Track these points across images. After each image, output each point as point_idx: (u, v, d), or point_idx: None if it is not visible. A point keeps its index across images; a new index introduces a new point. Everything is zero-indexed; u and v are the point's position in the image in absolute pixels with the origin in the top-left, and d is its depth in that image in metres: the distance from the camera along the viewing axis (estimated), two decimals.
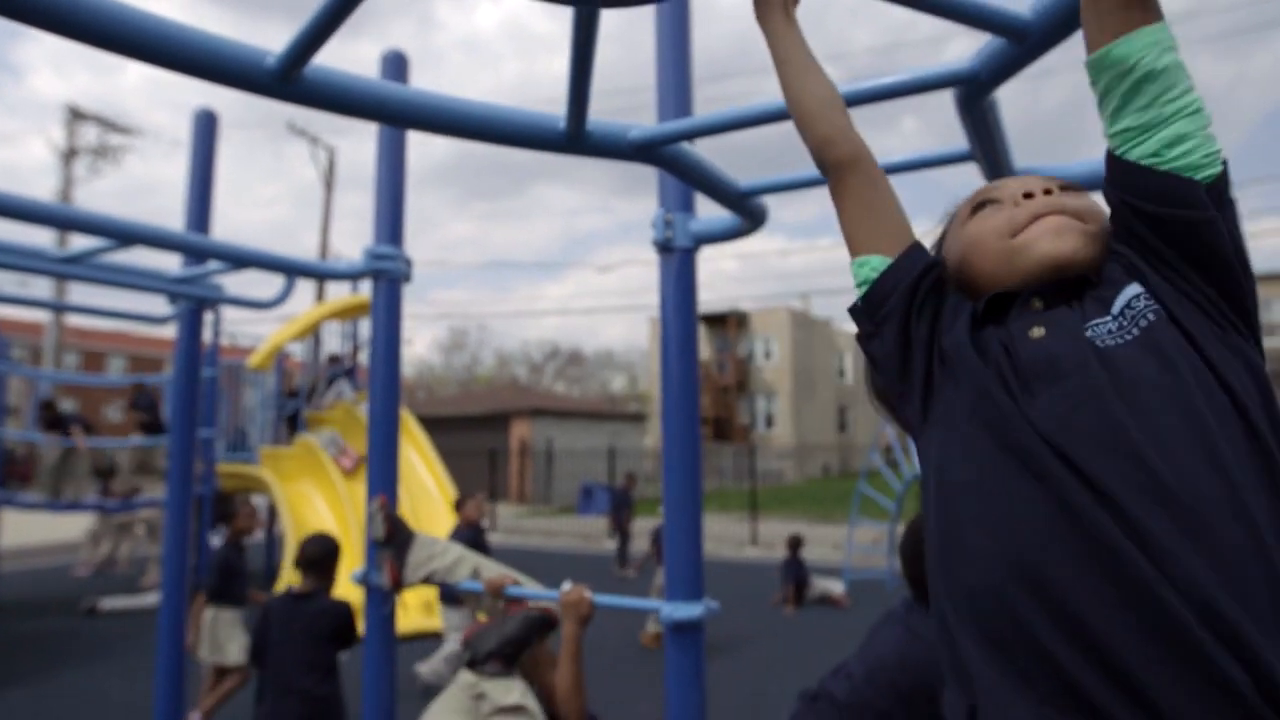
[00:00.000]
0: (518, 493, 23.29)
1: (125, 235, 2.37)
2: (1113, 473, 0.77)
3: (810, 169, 1.35)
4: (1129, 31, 0.84)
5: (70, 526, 11.68)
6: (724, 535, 14.40)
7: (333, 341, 10.88)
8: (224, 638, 4.74)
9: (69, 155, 20.61)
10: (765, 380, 32.38)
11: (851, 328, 1.12)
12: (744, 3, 1.14)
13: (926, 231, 1.14)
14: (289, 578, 7.33)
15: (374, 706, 2.82)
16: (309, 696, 3.17)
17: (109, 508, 8.74)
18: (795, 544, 8.34)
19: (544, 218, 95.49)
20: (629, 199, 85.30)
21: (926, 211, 1.29)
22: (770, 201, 2.03)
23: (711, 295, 78.48)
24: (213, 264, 3.07)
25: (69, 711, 5.21)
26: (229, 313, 8.98)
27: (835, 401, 34.94)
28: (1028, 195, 0.96)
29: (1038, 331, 0.89)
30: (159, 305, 3.80)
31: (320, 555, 3.36)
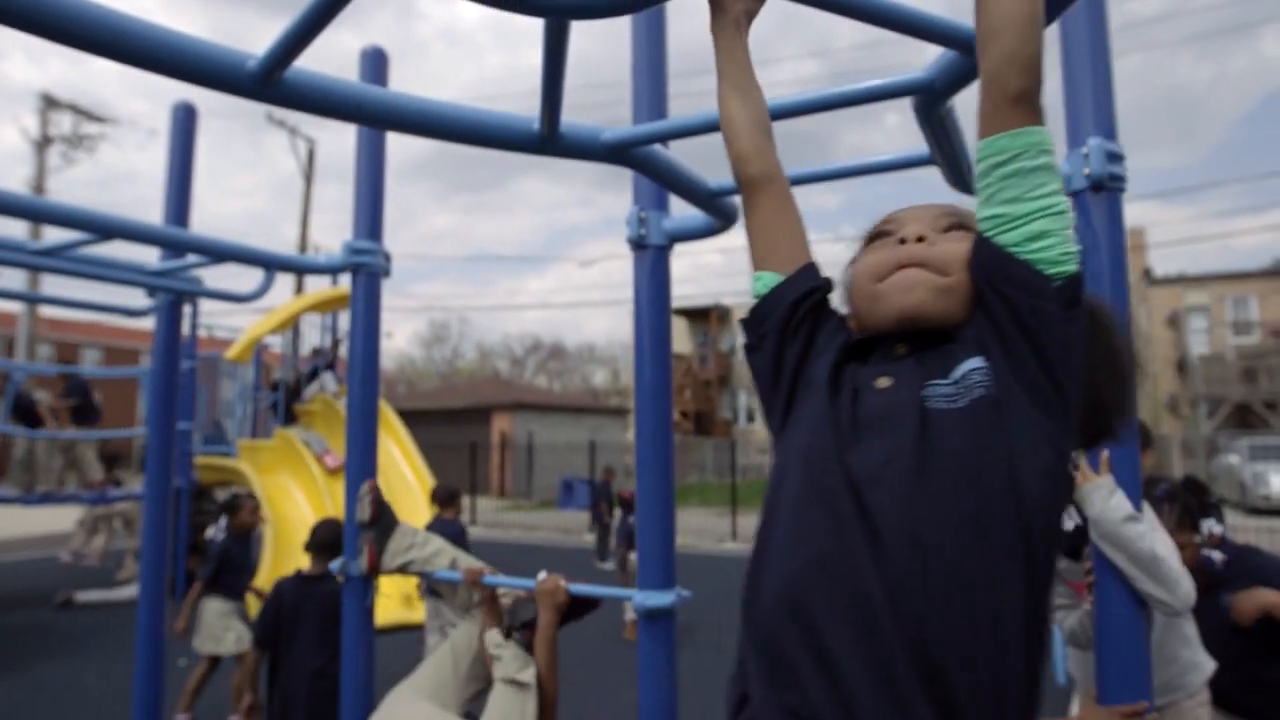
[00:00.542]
0: (498, 487, 23.27)
1: (105, 229, 2.37)
2: (892, 523, 0.85)
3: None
4: (1016, 129, 0.91)
5: (47, 520, 11.57)
6: (704, 529, 14.50)
7: (312, 334, 10.84)
8: (221, 628, 4.75)
9: (43, 144, 20.29)
10: (747, 375, 32.11)
11: None
12: None
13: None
14: (269, 570, 7.33)
15: (353, 700, 2.79)
16: (321, 675, 3.25)
17: (85, 499, 8.65)
18: None
19: (526, 211, 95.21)
20: (612, 193, 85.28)
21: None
22: None
23: (694, 289, 78.73)
24: (192, 257, 3.07)
25: (47, 704, 5.20)
26: (206, 304, 8.92)
27: None
28: (902, 241, 1.02)
29: (884, 382, 0.96)
30: (136, 298, 3.80)
31: (331, 539, 3.45)
